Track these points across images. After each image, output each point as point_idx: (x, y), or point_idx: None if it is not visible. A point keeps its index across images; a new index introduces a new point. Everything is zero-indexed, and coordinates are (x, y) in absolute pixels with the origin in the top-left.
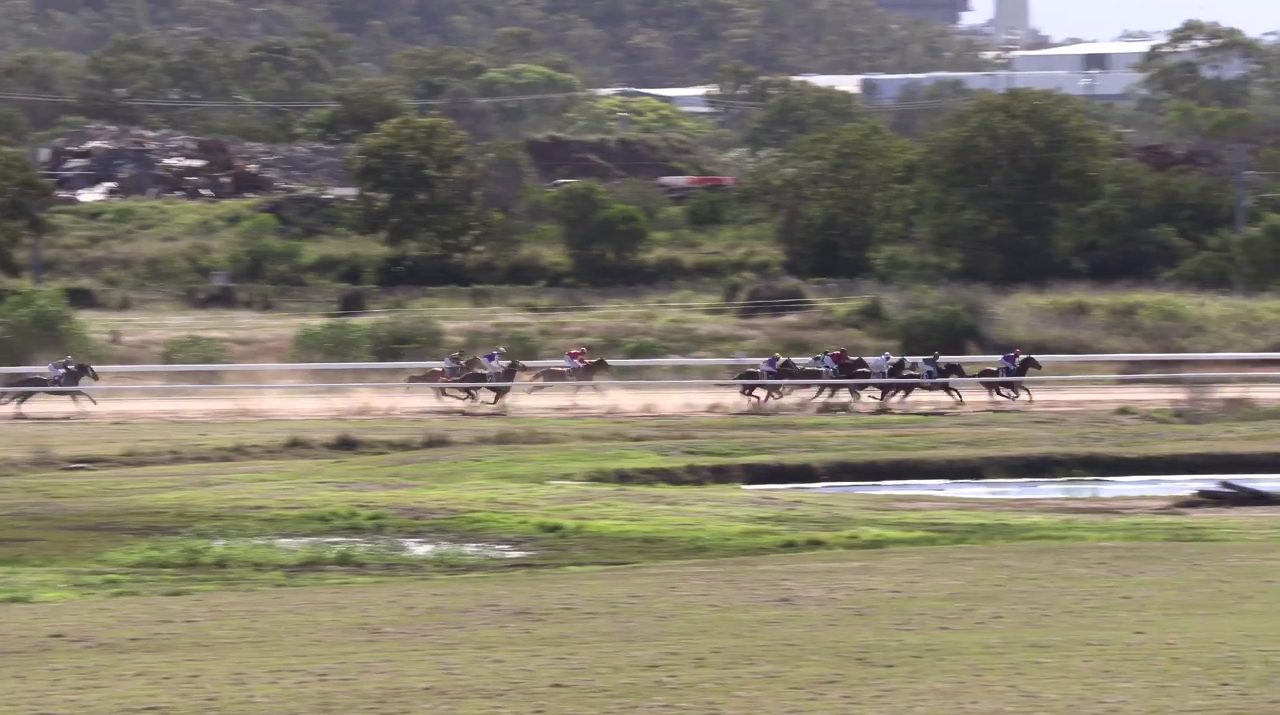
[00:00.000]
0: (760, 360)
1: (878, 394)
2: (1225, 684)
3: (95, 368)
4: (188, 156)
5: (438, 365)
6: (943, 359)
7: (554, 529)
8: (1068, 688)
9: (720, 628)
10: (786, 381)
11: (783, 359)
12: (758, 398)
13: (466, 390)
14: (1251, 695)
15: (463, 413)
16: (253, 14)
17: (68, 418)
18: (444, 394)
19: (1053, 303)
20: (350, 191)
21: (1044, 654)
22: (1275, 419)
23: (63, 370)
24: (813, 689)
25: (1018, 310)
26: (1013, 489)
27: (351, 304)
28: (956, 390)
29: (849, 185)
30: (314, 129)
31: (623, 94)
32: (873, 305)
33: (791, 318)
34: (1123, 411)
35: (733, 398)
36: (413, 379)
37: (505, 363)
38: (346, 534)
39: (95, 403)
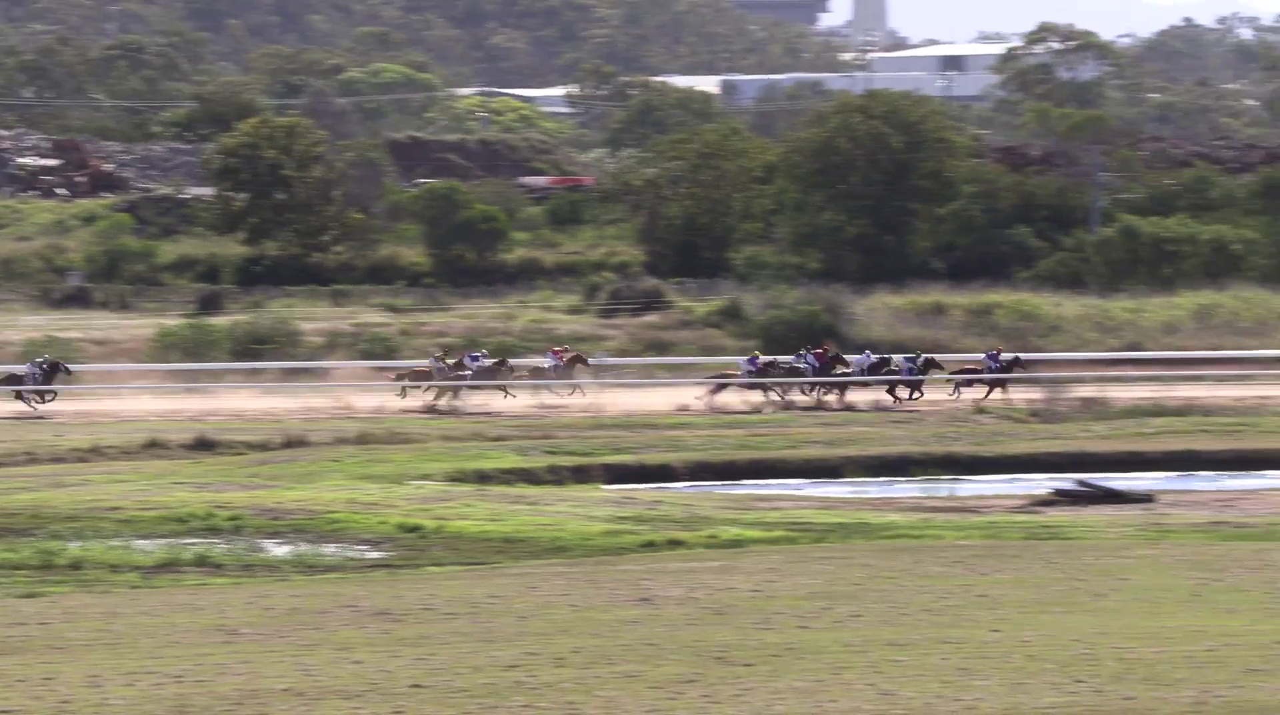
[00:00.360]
0: (741, 359)
1: (905, 392)
2: (1080, 681)
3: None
4: (42, 156)
5: (423, 364)
6: (923, 357)
7: (414, 529)
8: (925, 685)
9: (580, 627)
10: (768, 380)
11: (764, 358)
12: (777, 396)
13: (454, 390)
14: (1105, 692)
15: (446, 412)
16: (108, 12)
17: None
18: (420, 392)
19: (911, 303)
20: (208, 191)
21: (902, 652)
22: (1129, 418)
23: (38, 369)
24: (672, 688)
25: (876, 310)
26: (871, 488)
27: (209, 304)
28: (914, 389)
29: (709, 186)
30: (171, 128)
31: (482, 94)
32: (732, 305)
33: (652, 318)
34: (980, 411)
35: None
36: (399, 378)
37: (490, 362)
38: (204, 535)
39: (54, 395)
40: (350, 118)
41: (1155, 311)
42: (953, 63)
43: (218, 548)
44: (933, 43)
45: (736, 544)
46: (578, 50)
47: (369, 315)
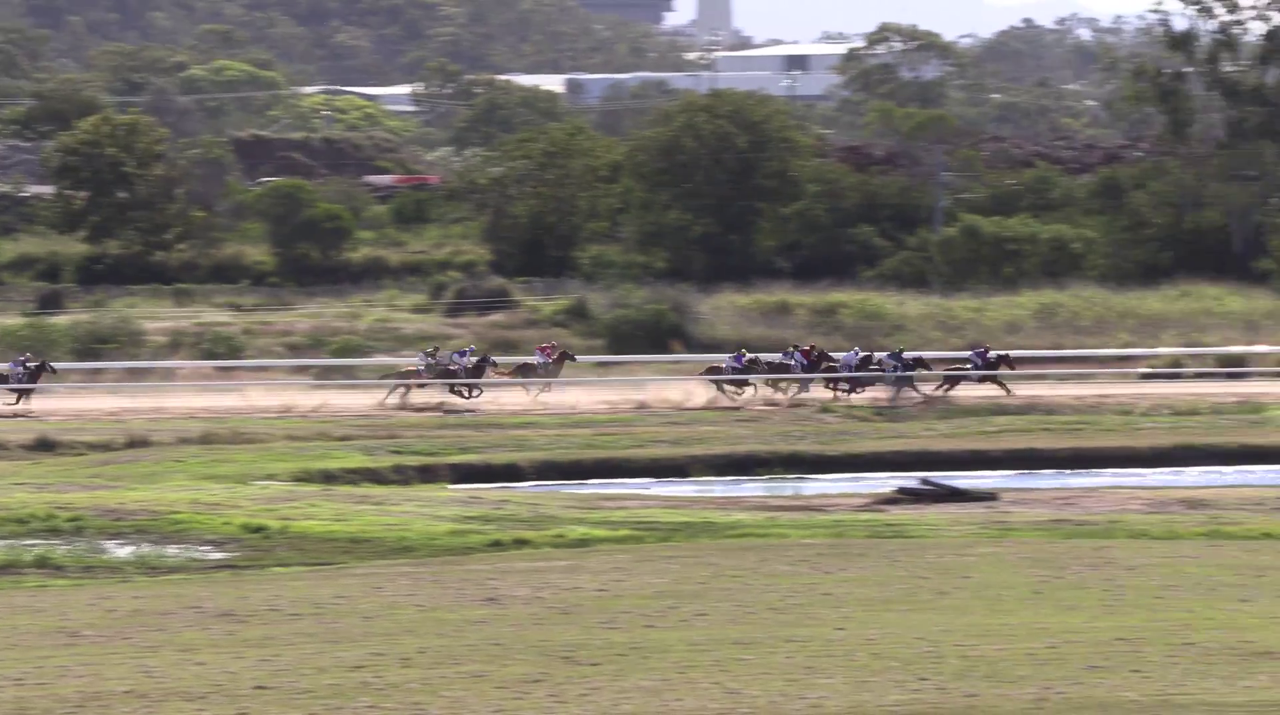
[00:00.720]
0: (726, 356)
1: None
2: (923, 678)
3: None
4: None
5: (413, 363)
6: (907, 354)
7: (258, 530)
8: (770, 684)
9: (426, 628)
10: (754, 377)
11: (749, 355)
12: (724, 393)
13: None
14: (949, 689)
15: (439, 410)
16: None
17: (25, 415)
18: (411, 391)
19: (756, 302)
20: (48, 189)
21: (747, 651)
22: (972, 416)
23: (21, 368)
24: (518, 688)
25: (722, 309)
26: (717, 487)
27: (50, 303)
28: (915, 386)
29: (555, 184)
30: (10, 126)
31: (327, 92)
32: (578, 304)
33: (498, 317)
34: (825, 410)
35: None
36: (390, 376)
37: (475, 359)
38: (45, 536)
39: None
40: (193, 116)
41: (997, 310)
42: (797, 62)
43: (59, 549)
44: (777, 42)
45: (583, 543)
46: (422, 48)
47: (212, 314)
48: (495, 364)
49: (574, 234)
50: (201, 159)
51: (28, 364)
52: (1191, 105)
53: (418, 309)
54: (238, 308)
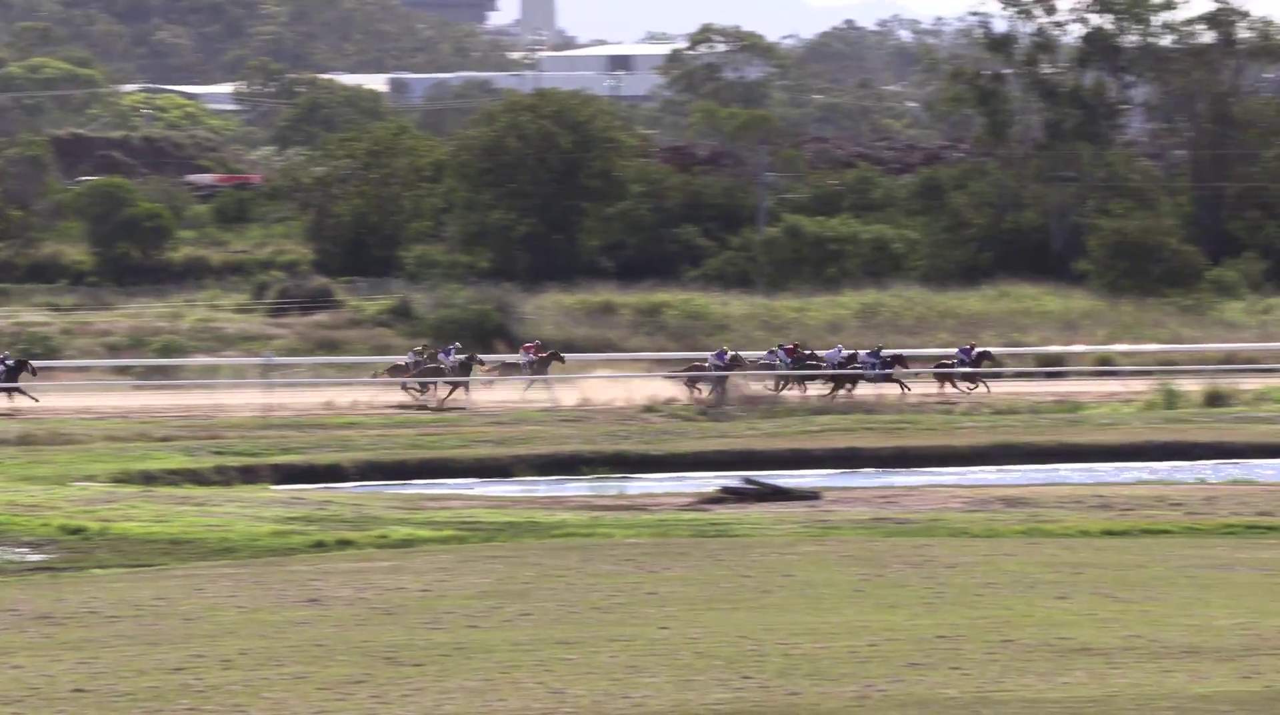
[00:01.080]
0: (709, 354)
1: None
2: (746, 677)
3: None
4: None
5: (403, 360)
6: (886, 352)
7: (77, 531)
8: (594, 683)
9: (247, 629)
10: (736, 374)
11: (731, 353)
12: (699, 390)
13: (423, 386)
14: (771, 687)
15: (420, 407)
16: None
17: (11, 413)
18: (405, 389)
19: (581, 301)
20: None
21: (571, 650)
22: (794, 416)
23: (2, 367)
24: (341, 689)
25: (546, 309)
26: (542, 487)
27: None
28: (903, 382)
29: (378, 184)
30: None
31: (147, 90)
32: (403, 304)
33: (321, 317)
34: (649, 409)
35: (276, 397)
36: (378, 375)
37: (461, 357)
38: None
39: (36, 399)
40: (10, 114)
41: (820, 310)
42: (621, 63)
43: None
44: (601, 43)
45: (406, 544)
46: (244, 47)
47: (30, 314)
48: (483, 362)
49: (398, 234)
50: (19, 157)
51: (7, 362)
52: (1010, 107)
53: (240, 309)
54: (56, 308)
